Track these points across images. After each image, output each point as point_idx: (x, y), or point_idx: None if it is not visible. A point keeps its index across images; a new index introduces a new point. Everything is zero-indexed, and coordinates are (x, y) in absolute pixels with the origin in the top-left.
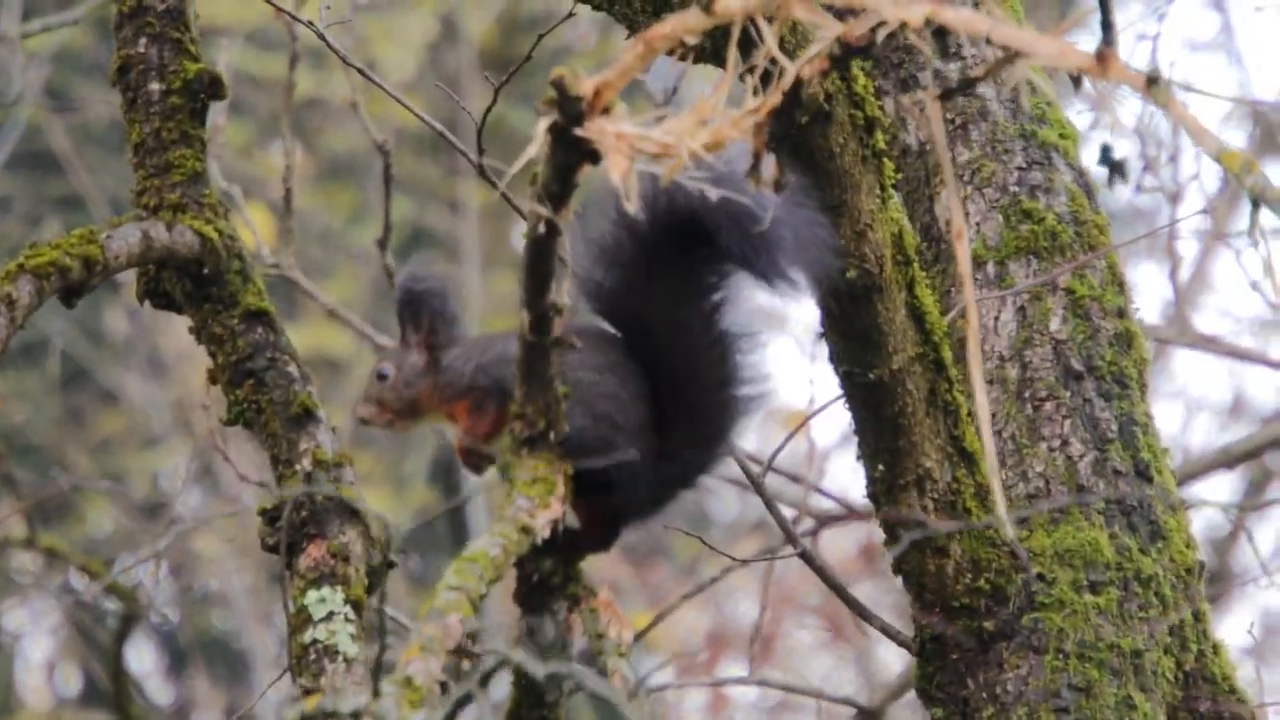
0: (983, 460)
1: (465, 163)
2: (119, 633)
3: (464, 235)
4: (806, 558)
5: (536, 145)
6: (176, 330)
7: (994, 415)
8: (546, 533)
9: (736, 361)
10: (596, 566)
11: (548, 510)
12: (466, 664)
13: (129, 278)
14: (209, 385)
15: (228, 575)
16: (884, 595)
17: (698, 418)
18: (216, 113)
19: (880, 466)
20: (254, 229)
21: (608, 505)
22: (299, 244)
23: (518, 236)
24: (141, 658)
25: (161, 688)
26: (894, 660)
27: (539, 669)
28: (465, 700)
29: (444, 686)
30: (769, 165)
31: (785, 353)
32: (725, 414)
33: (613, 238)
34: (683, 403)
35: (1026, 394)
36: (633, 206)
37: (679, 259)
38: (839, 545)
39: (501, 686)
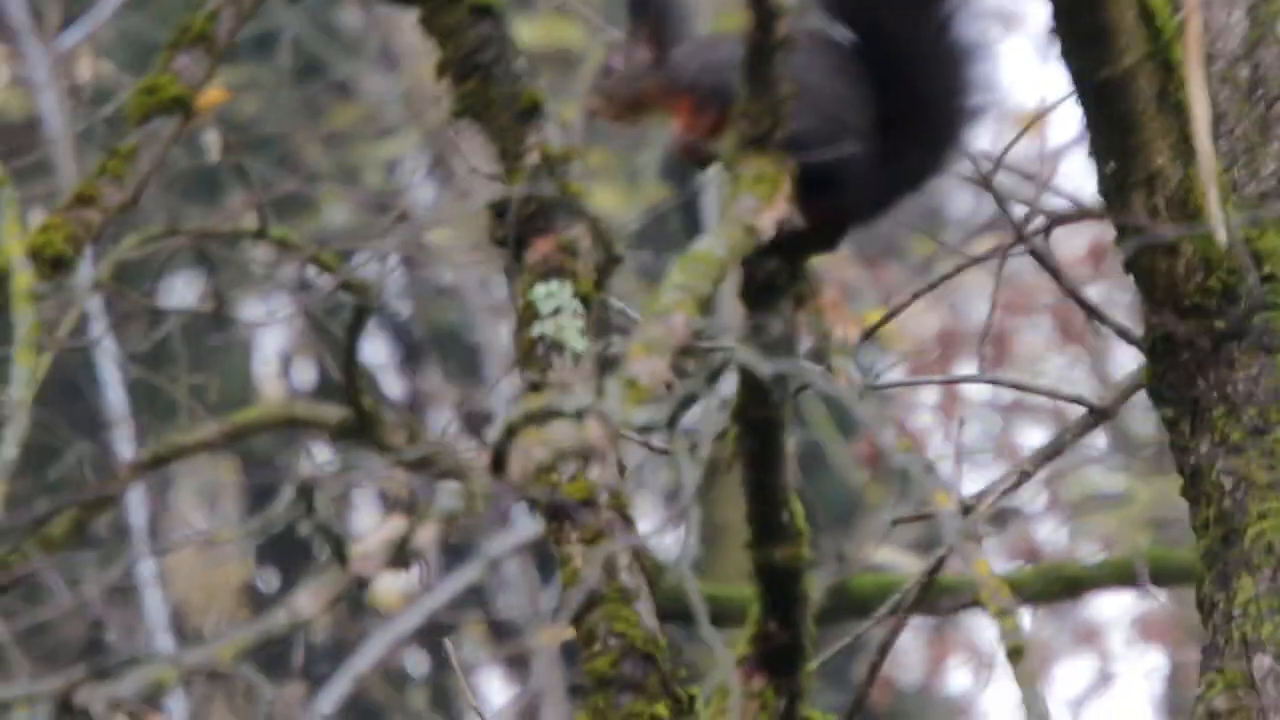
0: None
1: None
2: (351, 326)
3: None
4: (1037, 254)
5: None
6: (409, 22)
7: (1225, 115)
8: (772, 232)
9: (967, 70)
10: (827, 266)
11: (773, 209)
12: (692, 363)
13: None
14: (438, 77)
15: (461, 268)
16: (1116, 295)
17: (926, 124)
18: None
19: (1111, 164)
20: None
21: (834, 205)
22: None
23: None
24: (375, 351)
25: (395, 381)
26: (1129, 362)
27: (765, 368)
28: (691, 399)
29: (669, 386)
30: None
31: (1018, 52)
32: (954, 121)
33: None
34: (911, 109)
35: (1258, 94)
36: None
37: None
38: (1071, 245)
39: (728, 385)
